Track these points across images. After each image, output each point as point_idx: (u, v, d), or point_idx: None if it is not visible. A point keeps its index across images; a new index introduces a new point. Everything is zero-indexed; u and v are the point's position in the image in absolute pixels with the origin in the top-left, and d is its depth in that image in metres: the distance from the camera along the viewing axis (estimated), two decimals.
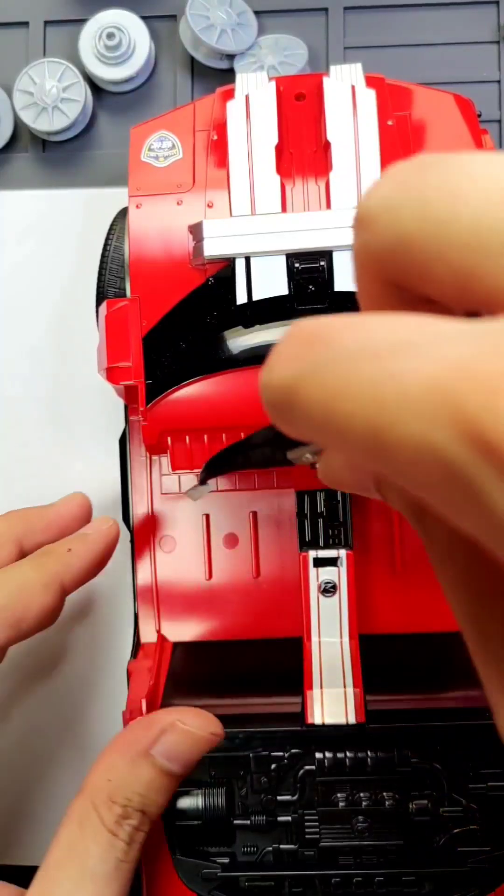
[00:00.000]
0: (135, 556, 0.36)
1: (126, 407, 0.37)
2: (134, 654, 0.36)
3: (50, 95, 0.42)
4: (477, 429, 0.11)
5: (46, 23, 0.44)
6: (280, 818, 0.31)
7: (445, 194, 0.13)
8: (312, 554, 0.33)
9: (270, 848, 0.31)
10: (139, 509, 0.37)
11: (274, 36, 0.43)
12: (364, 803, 0.30)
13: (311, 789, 0.31)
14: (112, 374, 0.34)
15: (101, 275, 0.35)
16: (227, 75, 0.44)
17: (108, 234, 0.36)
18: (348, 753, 0.30)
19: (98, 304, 0.35)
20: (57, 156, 0.44)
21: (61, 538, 0.35)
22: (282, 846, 0.31)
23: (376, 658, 0.33)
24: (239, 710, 0.32)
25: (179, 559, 0.36)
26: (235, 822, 0.31)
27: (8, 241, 0.43)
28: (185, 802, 0.31)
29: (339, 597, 0.33)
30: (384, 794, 0.30)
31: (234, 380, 0.33)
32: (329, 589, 0.33)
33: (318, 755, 0.30)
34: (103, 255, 0.36)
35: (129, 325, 0.33)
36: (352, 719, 0.31)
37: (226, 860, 0.31)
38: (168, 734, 0.28)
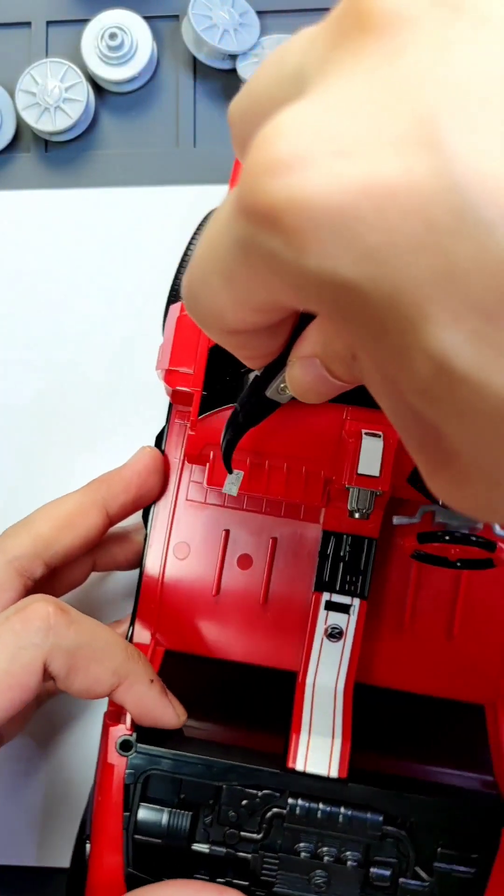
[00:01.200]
0: (146, 554, 0.36)
1: (170, 406, 0.36)
2: None
3: (52, 96, 0.42)
4: (247, 207, 0.15)
5: (49, 23, 0.44)
6: (240, 853, 0.30)
7: (250, 81, 0.19)
8: (326, 596, 0.33)
9: (223, 881, 0.31)
10: (161, 510, 0.36)
11: (277, 36, 0.43)
12: (326, 858, 0.30)
13: (276, 832, 0.30)
14: (170, 377, 0.33)
15: (178, 274, 0.35)
16: (230, 75, 0.44)
17: (194, 234, 0.36)
18: (322, 805, 0.30)
19: (170, 302, 0.35)
20: (59, 156, 0.44)
21: (141, 496, 0.36)
22: (235, 881, 0.30)
23: (370, 710, 0.33)
24: (222, 738, 0.32)
25: (190, 568, 0.36)
26: (194, 847, 0.30)
27: (10, 241, 0.43)
28: (148, 816, 0.30)
29: (343, 644, 0.33)
30: (349, 853, 0.30)
31: (289, 412, 0.33)
32: (335, 634, 0.33)
33: (292, 801, 0.30)
34: (184, 255, 0.35)
35: (199, 331, 0.33)
36: (334, 773, 0.30)
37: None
38: None
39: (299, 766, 0.30)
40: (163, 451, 0.36)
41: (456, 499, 0.17)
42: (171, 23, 0.44)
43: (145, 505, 0.36)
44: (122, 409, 0.41)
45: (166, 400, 0.36)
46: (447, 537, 0.30)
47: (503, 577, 0.35)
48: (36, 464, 0.42)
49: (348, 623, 0.33)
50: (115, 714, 0.32)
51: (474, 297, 0.14)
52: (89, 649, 0.30)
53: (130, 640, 0.36)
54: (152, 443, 0.37)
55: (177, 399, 0.35)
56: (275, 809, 0.30)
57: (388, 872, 0.30)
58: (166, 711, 0.31)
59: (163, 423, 0.37)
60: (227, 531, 0.36)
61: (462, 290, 0.14)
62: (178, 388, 0.34)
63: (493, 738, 0.33)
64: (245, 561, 0.36)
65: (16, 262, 0.43)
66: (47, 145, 0.44)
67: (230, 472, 0.30)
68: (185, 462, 0.36)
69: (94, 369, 0.42)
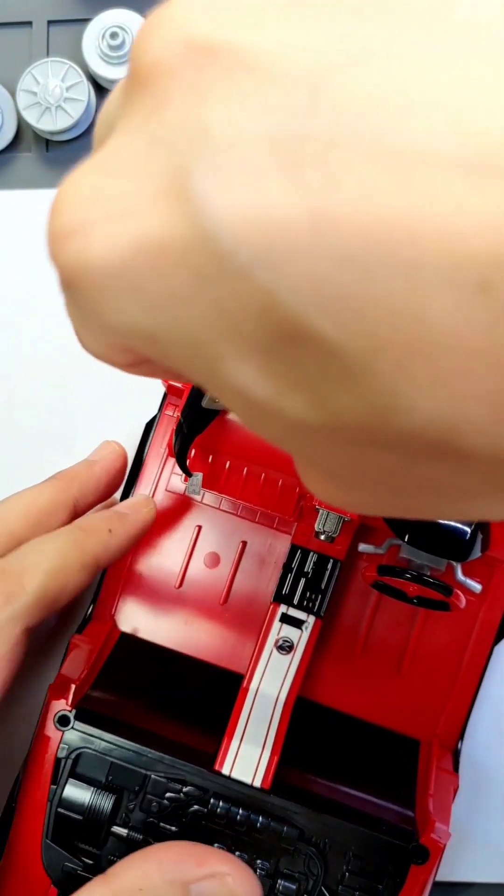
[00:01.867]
0: None
1: (164, 396, 0.37)
2: (80, 628, 0.36)
3: (53, 95, 0.42)
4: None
5: (50, 22, 0.44)
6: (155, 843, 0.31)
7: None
8: (282, 609, 0.33)
9: None
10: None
11: None
12: None
13: (194, 829, 0.31)
14: None
15: None
16: None
17: None
18: (241, 811, 0.31)
19: None
20: (60, 155, 0.44)
21: (110, 496, 0.36)
22: None
23: (308, 725, 0.33)
24: (159, 728, 0.33)
25: (158, 557, 0.37)
26: (113, 828, 0.31)
27: (11, 240, 0.43)
28: (73, 793, 0.31)
29: (292, 658, 0.33)
30: (259, 861, 0.31)
31: None
32: (285, 647, 0.33)
33: (213, 801, 0.31)
34: None
35: None
36: (258, 782, 0.31)
37: (90, 862, 0.32)
38: (214, 881, 0.29)
39: (225, 770, 0.31)
40: (150, 439, 0.37)
41: (323, 497, 0.18)
42: None
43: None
44: (123, 404, 0.41)
45: (161, 389, 0.37)
46: (407, 575, 0.30)
47: (458, 621, 0.35)
48: (37, 455, 0.42)
49: (300, 638, 0.33)
50: (59, 688, 0.32)
51: (251, 337, 0.14)
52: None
53: (90, 618, 0.36)
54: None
55: (171, 390, 0.36)
56: (196, 806, 0.31)
57: (294, 886, 0.31)
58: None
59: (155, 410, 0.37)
60: (200, 527, 0.36)
61: (238, 331, 0.14)
62: (169, 382, 0.34)
63: (421, 776, 0.33)
64: (212, 559, 0.36)
65: (17, 261, 0.43)
66: (48, 145, 0.44)
67: (189, 475, 0.31)
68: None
69: (97, 366, 0.42)
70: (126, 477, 0.37)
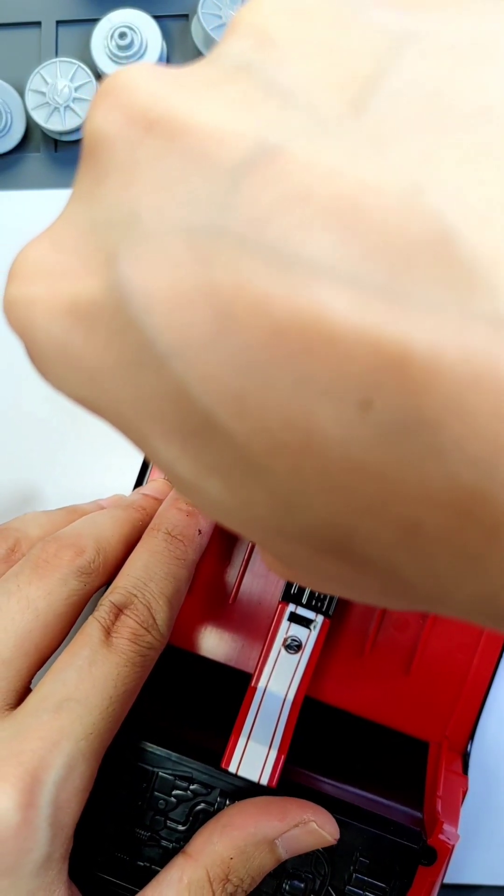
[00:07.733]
0: None
1: None
2: None
3: (62, 95, 0.42)
4: None
5: (58, 22, 0.44)
6: (162, 843, 0.31)
7: None
8: (291, 608, 0.33)
9: (141, 863, 0.31)
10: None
11: None
12: None
13: (200, 826, 0.31)
14: None
15: None
16: None
17: None
18: None
19: None
20: (69, 155, 0.44)
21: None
22: (152, 867, 0.31)
23: (314, 725, 0.33)
24: (165, 726, 0.33)
25: None
26: (120, 825, 0.31)
27: (20, 240, 0.43)
28: None
29: (300, 657, 0.33)
30: None
31: None
32: (294, 646, 0.33)
33: (220, 799, 0.31)
34: None
35: None
36: (264, 781, 0.31)
37: (99, 859, 0.32)
38: (299, 829, 0.29)
39: (232, 769, 0.31)
40: None
41: (268, 566, 0.18)
42: (181, 22, 0.44)
43: None
44: None
45: None
46: None
47: (466, 624, 0.35)
48: (45, 453, 0.42)
49: (308, 638, 0.33)
50: None
51: (171, 421, 0.14)
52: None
53: None
54: None
55: None
56: (203, 804, 0.31)
57: (301, 885, 0.30)
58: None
59: None
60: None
61: (161, 414, 0.14)
62: None
63: (430, 777, 0.33)
64: (222, 557, 0.36)
65: None
66: (57, 145, 0.44)
67: None
68: None
69: None
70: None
